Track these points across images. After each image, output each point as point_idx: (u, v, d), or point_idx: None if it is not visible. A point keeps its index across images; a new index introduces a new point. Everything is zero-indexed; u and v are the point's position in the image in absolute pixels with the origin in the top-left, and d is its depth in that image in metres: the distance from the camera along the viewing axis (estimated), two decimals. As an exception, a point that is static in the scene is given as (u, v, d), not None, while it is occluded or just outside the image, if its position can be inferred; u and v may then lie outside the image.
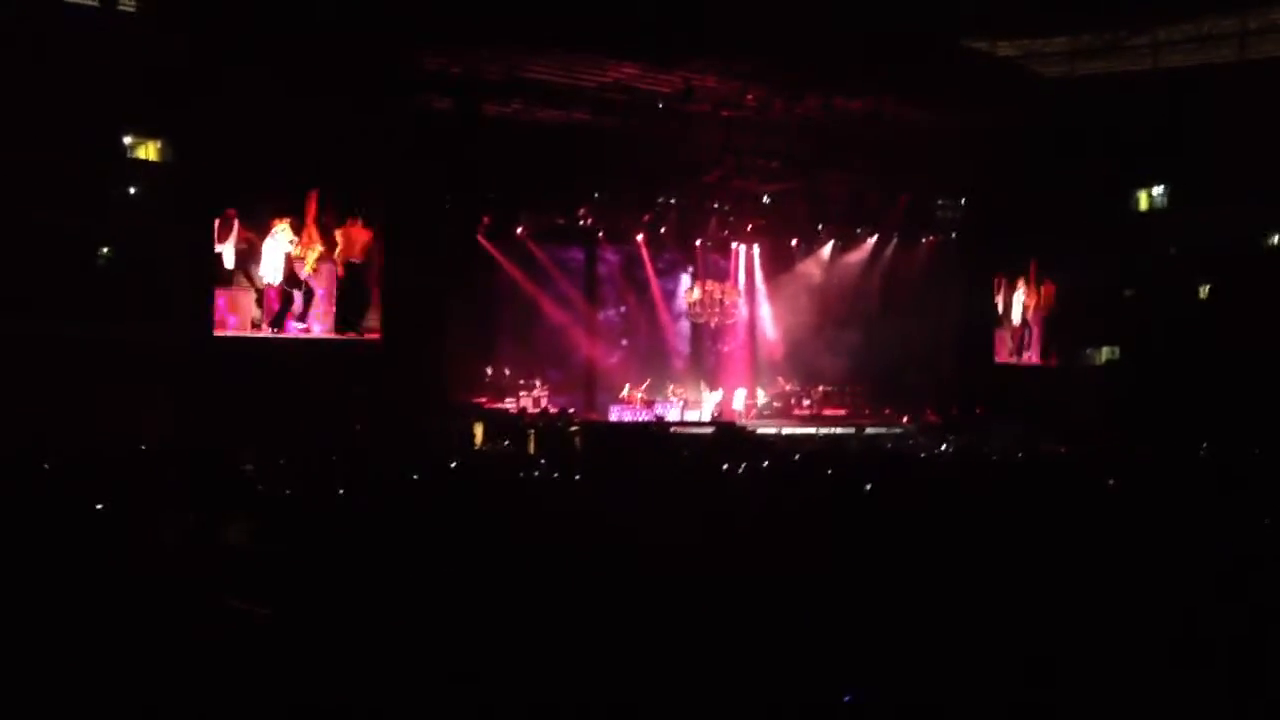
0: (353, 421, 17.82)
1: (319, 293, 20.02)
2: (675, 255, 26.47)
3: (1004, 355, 26.22)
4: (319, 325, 20.07)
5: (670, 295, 26.83)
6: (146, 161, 19.52)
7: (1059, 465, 14.35)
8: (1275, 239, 23.64)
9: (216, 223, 19.28)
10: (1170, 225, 24.41)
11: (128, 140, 19.37)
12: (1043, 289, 26.09)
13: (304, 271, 19.84)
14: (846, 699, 4.48)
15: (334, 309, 20.15)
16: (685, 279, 26.69)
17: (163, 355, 18.09)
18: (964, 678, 4.76)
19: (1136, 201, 25.53)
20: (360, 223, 20.28)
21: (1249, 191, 21.99)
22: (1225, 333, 22.20)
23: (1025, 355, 26.07)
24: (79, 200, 18.07)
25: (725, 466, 13.00)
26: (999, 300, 26.27)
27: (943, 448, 18.28)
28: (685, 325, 27.03)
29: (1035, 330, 26.13)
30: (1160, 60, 23.93)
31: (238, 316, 19.54)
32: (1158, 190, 25.26)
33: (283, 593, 5.97)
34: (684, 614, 5.42)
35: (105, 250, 18.84)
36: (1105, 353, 25.73)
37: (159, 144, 19.49)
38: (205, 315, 19.09)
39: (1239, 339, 21.70)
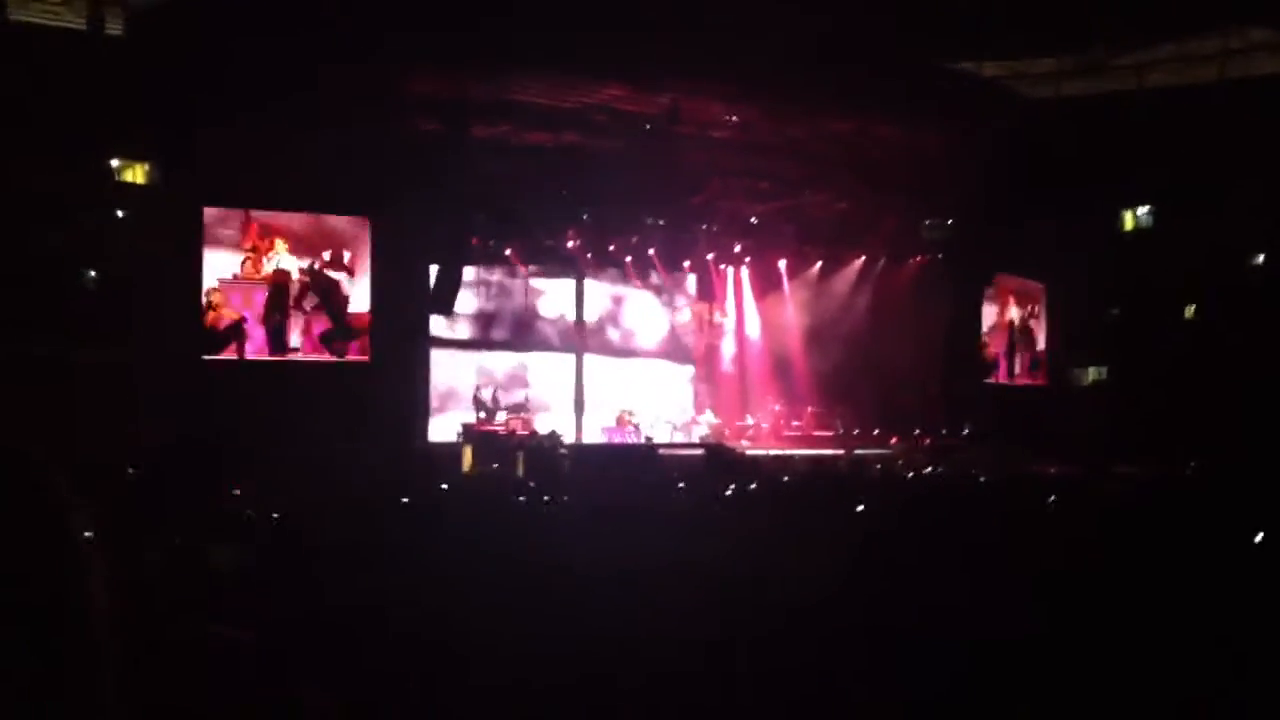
0: (341, 444, 17.76)
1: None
2: (659, 276, 26.48)
3: (992, 375, 26.26)
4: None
5: (661, 316, 26.87)
6: (134, 184, 19.52)
7: (1046, 486, 14.32)
8: (1260, 259, 23.74)
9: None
10: (1156, 245, 24.50)
11: (115, 163, 19.37)
12: (1030, 309, 26.16)
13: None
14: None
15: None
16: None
17: (151, 378, 18.04)
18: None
19: (1122, 221, 25.64)
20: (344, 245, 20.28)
21: (1233, 211, 22.10)
22: (1211, 353, 22.27)
23: (1013, 375, 26.11)
24: (67, 223, 18.06)
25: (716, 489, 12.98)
26: (986, 320, 26.31)
27: (929, 470, 18.27)
28: (675, 346, 27.06)
29: (1023, 350, 26.19)
30: (1144, 81, 24.04)
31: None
32: (1143, 210, 25.36)
33: (268, 618, 5.95)
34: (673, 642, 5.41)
35: (92, 273, 18.82)
36: (1093, 373, 25.79)
37: (147, 167, 19.49)
38: (193, 338, 19.08)
39: (1225, 359, 21.77)
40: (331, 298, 20.15)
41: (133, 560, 7.38)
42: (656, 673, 5.00)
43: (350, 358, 20.17)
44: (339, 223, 20.26)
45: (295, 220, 19.88)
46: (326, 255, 20.11)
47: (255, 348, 19.56)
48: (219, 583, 6.77)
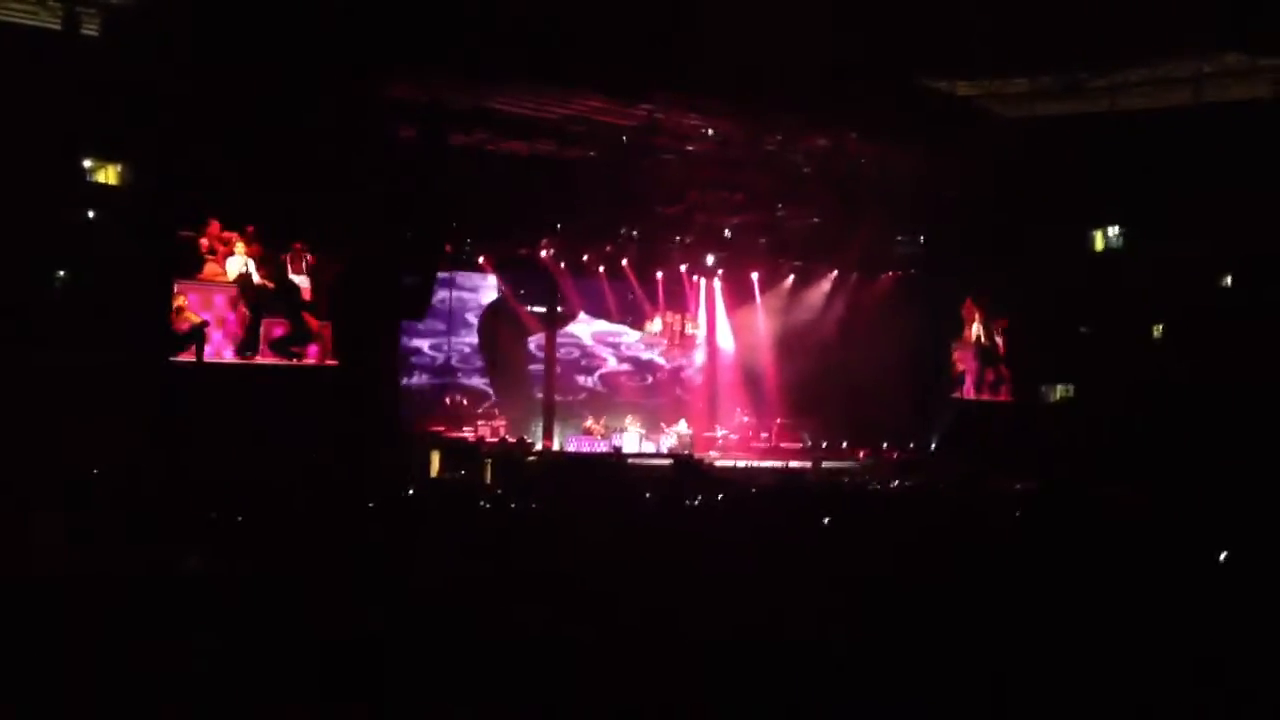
0: (309, 449, 17.68)
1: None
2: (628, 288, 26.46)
3: (961, 391, 26.39)
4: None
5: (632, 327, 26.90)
6: (106, 185, 19.37)
7: (1012, 501, 14.44)
8: (1227, 280, 23.96)
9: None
10: (1125, 265, 24.70)
11: (88, 164, 19.23)
12: (999, 326, 26.29)
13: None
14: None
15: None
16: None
17: (121, 383, 17.87)
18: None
19: (1093, 241, 25.83)
20: (308, 249, 20.12)
21: (1203, 233, 22.30)
22: (1177, 373, 22.45)
23: (982, 391, 26.24)
24: (37, 225, 17.91)
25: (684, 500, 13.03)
26: (956, 337, 26.45)
27: (895, 483, 18.38)
28: (643, 358, 27.09)
29: (991, 367, 26.32)
30: (1118, 103, 24.23)
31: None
32: (1114, 230, 25.57)
33: (238, 621, 5.96)
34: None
35: (63, 275, 18.66)
36: (1060, 390, 25.96)
37: (119, 168, 19.36)
38: (161, 341, 18.87)
39: (1191, 379, 21.95)
40: (292, 301, 19.96)
41: (104, 563, 7.37)
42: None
43: (309, 362, 19.99)
44: (306, 226, 20.09)
45: (260, 222, 19.67)
46: (289, 258, 19.96)
47: (215, 351, 19.35)
48: (187, 586, 6.77)
